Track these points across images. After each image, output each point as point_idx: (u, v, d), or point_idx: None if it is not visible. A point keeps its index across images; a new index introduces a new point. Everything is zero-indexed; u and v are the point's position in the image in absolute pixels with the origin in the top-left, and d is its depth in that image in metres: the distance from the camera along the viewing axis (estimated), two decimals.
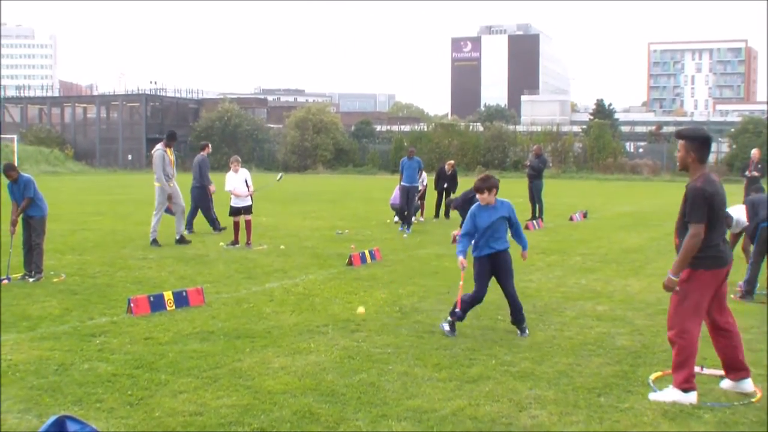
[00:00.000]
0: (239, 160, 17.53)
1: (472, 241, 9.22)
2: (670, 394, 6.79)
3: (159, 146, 17.34)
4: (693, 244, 6.60)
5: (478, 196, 9.18)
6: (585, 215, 25.39)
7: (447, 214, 24.84)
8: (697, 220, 6.63)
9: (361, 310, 10.15)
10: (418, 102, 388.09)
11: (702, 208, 6.63)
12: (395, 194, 23.11)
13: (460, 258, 8.92)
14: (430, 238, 19.27)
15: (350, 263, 14.42)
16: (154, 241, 16.93)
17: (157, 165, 17.04)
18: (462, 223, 18.33)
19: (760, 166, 23.93)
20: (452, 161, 25.59)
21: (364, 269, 14.11)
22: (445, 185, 24.69)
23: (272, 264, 14.66)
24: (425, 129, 75.29)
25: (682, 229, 6.83)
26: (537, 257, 15.93)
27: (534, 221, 22.08)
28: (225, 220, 18.92)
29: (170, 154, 17.33)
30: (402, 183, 20.95)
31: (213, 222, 19.93)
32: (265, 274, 13.54)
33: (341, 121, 78.10)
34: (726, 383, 7.13)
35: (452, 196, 24.00)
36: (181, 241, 17.30)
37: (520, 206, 29.73)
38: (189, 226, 19.36)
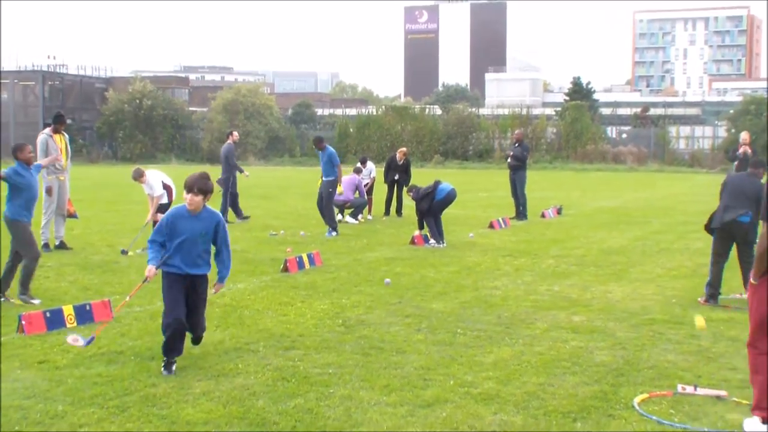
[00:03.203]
0: (142, 171, 17.41)
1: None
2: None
3: (45, 131, 17.12)
4: (763, 245, 6.52)
5: (184, 195, 8.41)
6: (559, 211, 25.59)
7: (399, 211, 24.85)
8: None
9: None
10: (366, 82, 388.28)
11: None
12: None
13: (150, 267, 8.44)
14: (378, 240, 19.26)
15: (286, 269, 14.35)
16: (45, 246, 16.65)
17: (39, 154, 16.72)
18: (419, 220, 18.46)
19: (749, 151, 24.02)
20: (404, 149, 25.49)
21: (301, 276, 14.05)
22: (396, 177, 24.59)
23: None
24: (374, 113, 75.54)
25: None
26: (503, 260, 16.00)
27: (501, 219, 22.04)
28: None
29: (60, 141, 17.06)
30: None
31: (237, 212, 23.40)
32: None
33: (276, 104, 77.90)
34: (751, 424, 6.81)
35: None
36: (62, 246, 17.10)
37: (486, 201, 29.99)
38: (237, 214, 23.30)
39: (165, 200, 17.15)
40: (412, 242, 18.29)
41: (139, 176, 17.22)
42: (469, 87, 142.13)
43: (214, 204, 23.85)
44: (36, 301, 11.64)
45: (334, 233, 19.83)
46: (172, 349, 8.33)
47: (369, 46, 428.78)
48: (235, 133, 24.60)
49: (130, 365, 8.46)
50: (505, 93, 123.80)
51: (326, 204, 20.32)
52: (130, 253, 16.44)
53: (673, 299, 12.19)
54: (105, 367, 8.41)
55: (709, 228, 12.29)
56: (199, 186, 8.29)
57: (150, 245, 8.51)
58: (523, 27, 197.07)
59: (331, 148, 20.84)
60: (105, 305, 10.70)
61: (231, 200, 23.05)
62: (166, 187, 17.27)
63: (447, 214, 19.31)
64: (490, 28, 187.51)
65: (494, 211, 24.55)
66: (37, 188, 12.19)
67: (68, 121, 58.73)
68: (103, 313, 10.57)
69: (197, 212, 8.42)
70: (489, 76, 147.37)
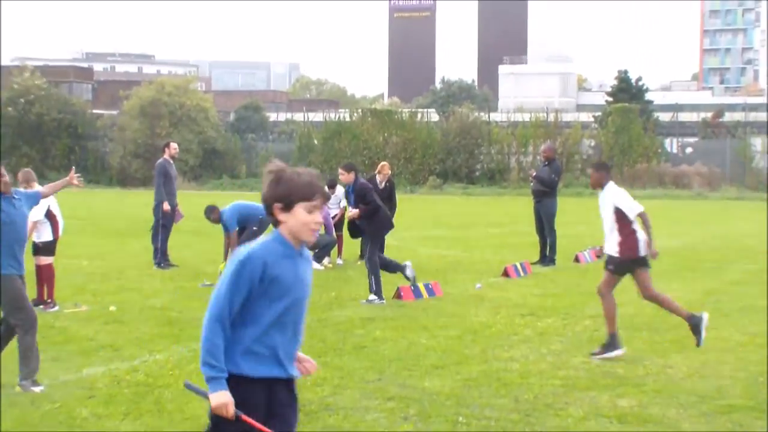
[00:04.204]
0: (33, 176, 17.06)
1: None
2: None
3: None
4: None
5: (311, 208, 5.93)
6: (599, 254, 25.47)
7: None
8: None
9: None
10: (337, 76, 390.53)
11: None
12: None
13: (222, 395, 5.77)
14: (351, 293, 19.16)
15: None
16: None
17: None
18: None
19: None
20: (386, 164, 24.67)
21: None
22: None
23: (95, 337, 14.41)
24: (347, 118, 75.44)
25: None
26: (522, 321, 15.93)
27: (519, 265, 21.83)
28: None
29: None
30: None
31: (156, 252, 23.06)
32: (83, 353, 13.29)
33: (214, 106, 77.89)
34: None
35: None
36: None
37: (499, 239, 29.95)
38: (160, 257, 22.95)
39: (49, 237, 16.83)
40: (398, 296, 18.22)
41: (30, 180, 16.66)
42: (476, 84, 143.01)
43: (146, 242, 23.79)
44: (38, 389, 11.18)
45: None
46: None
47: (341, 29, 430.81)
48: (173, 145, 24.96)
49: None
50: (525, 92, 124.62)
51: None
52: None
53: (759, 377, 12.12)
54: None
55: None
56: (320, 192, 6.02)
57: (209, 333, 5.80)
58: (550, 4, 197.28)
59: (225, 215, 20.88)
60: None
61: (163, 236, 23.20)
62: (51, 216, 16.89)
63: (444, 259, 19.25)
64: (505, 6, 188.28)
65: (510, 253, 24.54)
66: (23, 227, 11.70)
67: None
68: None
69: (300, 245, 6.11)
70: (504, 69, 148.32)
